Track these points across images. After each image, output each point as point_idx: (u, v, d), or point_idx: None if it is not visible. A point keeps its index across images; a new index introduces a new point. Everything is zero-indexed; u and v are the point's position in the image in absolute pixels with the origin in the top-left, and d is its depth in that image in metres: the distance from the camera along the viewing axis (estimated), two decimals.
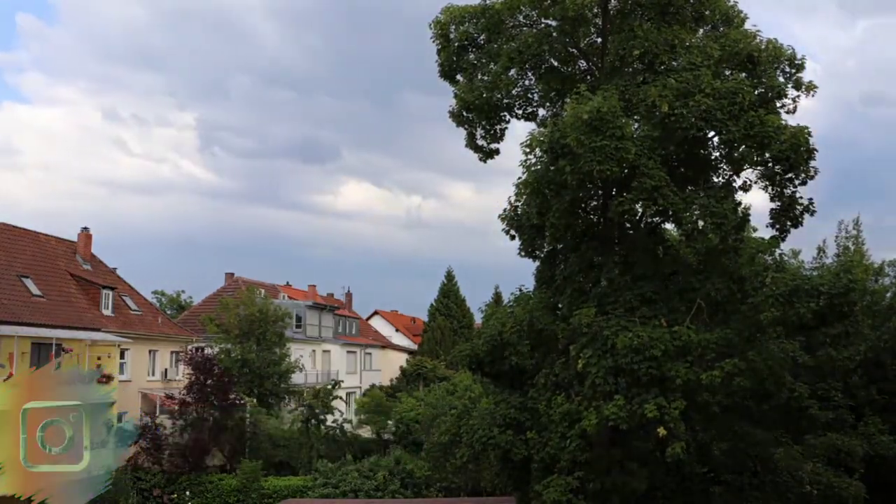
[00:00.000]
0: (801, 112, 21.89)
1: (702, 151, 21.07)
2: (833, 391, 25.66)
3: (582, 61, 23.23)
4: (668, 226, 22.33)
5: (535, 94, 23.54)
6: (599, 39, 22.48)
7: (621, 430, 18.98)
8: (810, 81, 20.52)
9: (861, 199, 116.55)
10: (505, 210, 22.15)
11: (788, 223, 20.68)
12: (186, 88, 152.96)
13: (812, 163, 19.85)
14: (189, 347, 43.42)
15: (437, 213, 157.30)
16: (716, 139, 20.75)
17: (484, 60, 23.15)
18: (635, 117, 20.80)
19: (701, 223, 20.48)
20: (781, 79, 20.38)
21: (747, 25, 21.28)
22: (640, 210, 21.19)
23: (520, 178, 21.07)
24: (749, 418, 21.16)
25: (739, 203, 21.05)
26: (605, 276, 21.38)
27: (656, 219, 21.69)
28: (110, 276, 43.40)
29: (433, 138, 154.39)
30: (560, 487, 19.66)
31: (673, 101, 19.01)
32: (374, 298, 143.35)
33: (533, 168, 20.67)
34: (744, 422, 21.03)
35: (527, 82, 23.31)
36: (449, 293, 73.24)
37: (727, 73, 20.24)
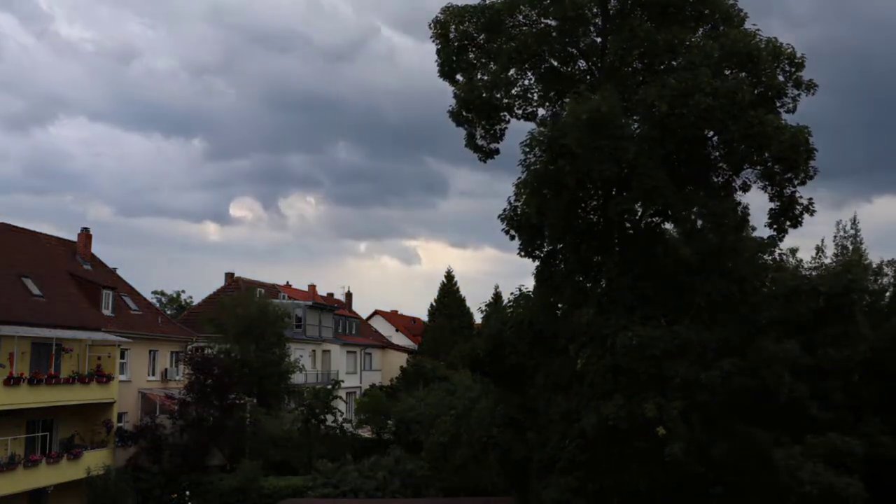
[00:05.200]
0: None
1: (701, 151, 21.06)
2: (833, 391, 25.61)
3: (582, 61, 23.22)
4: (668, 226, 22.34)
5: (535, 94, 23.53)
6: (599, 39, 22.46)
7: (621, 430, 18.97)
8: (810, 80, 20.52)
9: None
10: (505, 210, 22.13)
11: (788, 223, 20.67)
12: None
13: (812, 162, 19.86)
14: (189, 347, 43.39)
15: None
16: (715, 139, 20.75)
17: (483, 60, 23.15)
18: (635, 117, 20.80)
19: (700, 223, 20.50)
20: (781, 78, 20.37)
21: (747, 25, 21.29)
22: (639, 210, 21.22)
23: (519, 178, 21.08)
24: (749, 418, 21.13)
25: (739, 203, 21.06)
26: (605, 276, 21.38)
27: (656, 219, 21.70)
28: (110, 276, 43.38)
29: None
30: (559, 487, 19.67)
31: (672, 100, 19.00)
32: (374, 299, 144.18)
33: (532, 168, 20.66)
34: (744, 422, 21.01)
35: (526, 82, 23.32)
36: (449, 293, 73.23)
37: (727, 72, 20.23)
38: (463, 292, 73.34)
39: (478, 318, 40.59)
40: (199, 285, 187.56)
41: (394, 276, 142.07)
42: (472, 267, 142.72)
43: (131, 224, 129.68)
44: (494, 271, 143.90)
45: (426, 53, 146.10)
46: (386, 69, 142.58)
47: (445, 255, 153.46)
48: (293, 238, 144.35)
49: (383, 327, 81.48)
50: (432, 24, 22.88)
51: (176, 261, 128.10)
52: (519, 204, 21.72)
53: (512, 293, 24.16)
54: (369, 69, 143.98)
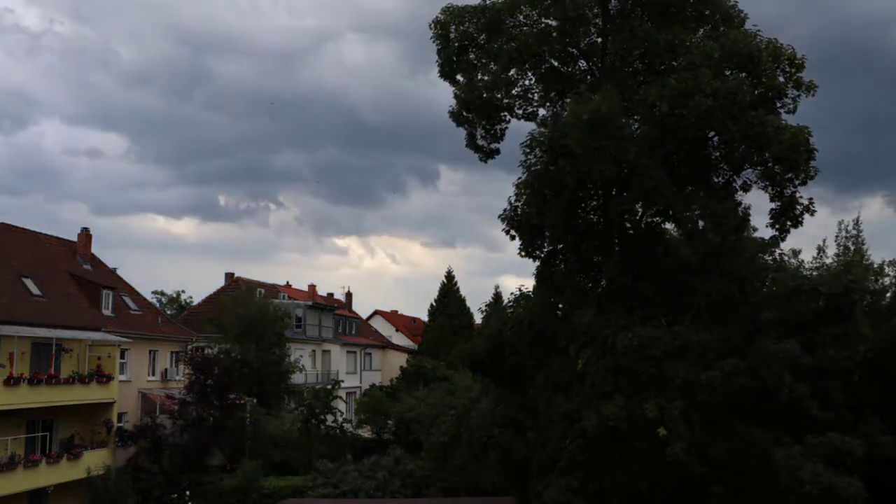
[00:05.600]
0: None
1: (702, 151, 21.08)
2: (833, 391, 25.63)
3: (582, 61, 23.25)
4: (669, 226, 22.37)
5: (535, 94, 23.56)
6: (599, 39, 22.49)
7: (621, 431, 18.99)
8: (811, 81, 20.54)
9: None
10: (505, 210, 22.12)
11: (788, 223, 20.69)
12: None
13: (812, 163, 19.88)
14: (189, 347, 43.40)
15: None
16: (716, 139, 20.77)
17: (484, 60, 23.18)
18: (635, 117, 20.83)
19: (701, 223, 20.52)
20: (781, 78, 20.40)
21: (747, 25, 21.32)
22: (639, 210, 21.25)
23: (520, 178, 21.10)
24: (749, 418, 21.16)
25: (739, 203, 21.07)
26: (605, 276, 21.40)
27: (656, 219, 21.72)
28: (110, 276, 43.39)
29: None
30: (560, 487, 19.68)
31: (673, 101, 19.02)
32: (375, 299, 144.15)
33: (533, 168, 20.68)
34: (744, 422, 21.04)
35: (527, 82, 23.36)
36: (449, 293, 73.24)
37: (727, 73, 20.25)
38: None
39: (478, 318, 40.67)
40: (188, 282, 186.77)
41: (374, 275, 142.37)
42: (451, 265, 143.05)
43: (107, 223, 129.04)
44: (474, 269, 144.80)
45: (397, 53, 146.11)
46: (363, 69, 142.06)
47: (423, 254, 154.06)
48: (274, 236, 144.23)
49: (383, 327, 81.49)
50: (432, 25, 22.90)
51: (158, 259, 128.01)
52: (519, 204, 21.72)
53: (512, 293, 24.27)
54: (335, 68, 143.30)
